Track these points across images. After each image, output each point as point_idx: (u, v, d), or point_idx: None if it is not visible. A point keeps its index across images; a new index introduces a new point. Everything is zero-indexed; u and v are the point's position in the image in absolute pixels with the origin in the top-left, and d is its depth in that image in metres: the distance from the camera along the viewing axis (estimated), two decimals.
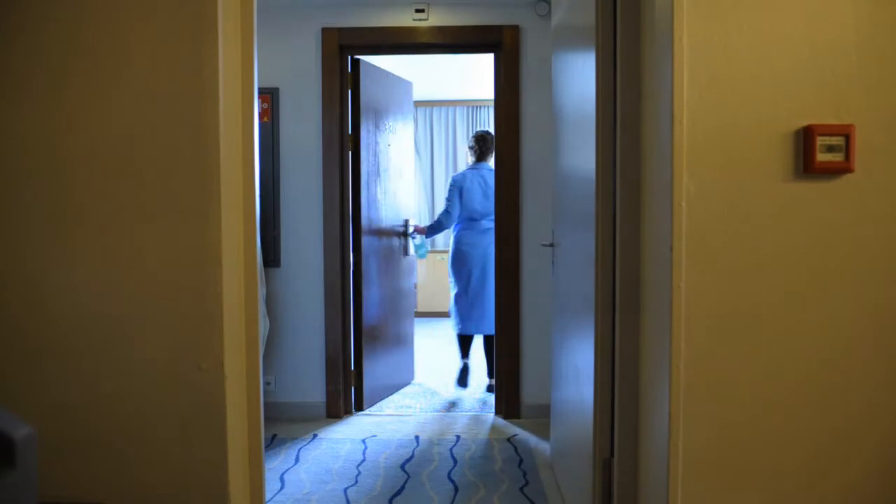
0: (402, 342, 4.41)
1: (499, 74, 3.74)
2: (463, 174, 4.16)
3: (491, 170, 3.98)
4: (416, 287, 5.40)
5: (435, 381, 4.56)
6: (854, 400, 1.63)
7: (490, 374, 4.12)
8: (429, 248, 6.85)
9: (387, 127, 4.19)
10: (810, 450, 1.63)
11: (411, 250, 4.43)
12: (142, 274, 1.72)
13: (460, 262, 4.12)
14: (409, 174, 4.50)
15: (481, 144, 4.12)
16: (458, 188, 4.08)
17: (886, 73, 1.59)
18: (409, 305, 4.50)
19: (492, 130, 4.09)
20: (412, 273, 4.55)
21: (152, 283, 1.72)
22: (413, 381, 4.53)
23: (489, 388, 4.15)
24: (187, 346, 1.73)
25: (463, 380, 4.20)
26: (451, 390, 4.30)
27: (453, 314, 4.20)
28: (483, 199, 4.06)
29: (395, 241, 4.29)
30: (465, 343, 4.24)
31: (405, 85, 4.45)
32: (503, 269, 3.74)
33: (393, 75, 4.27)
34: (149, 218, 1.72)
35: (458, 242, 4.13)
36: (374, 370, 4.01)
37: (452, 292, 4.19)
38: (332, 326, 3.74)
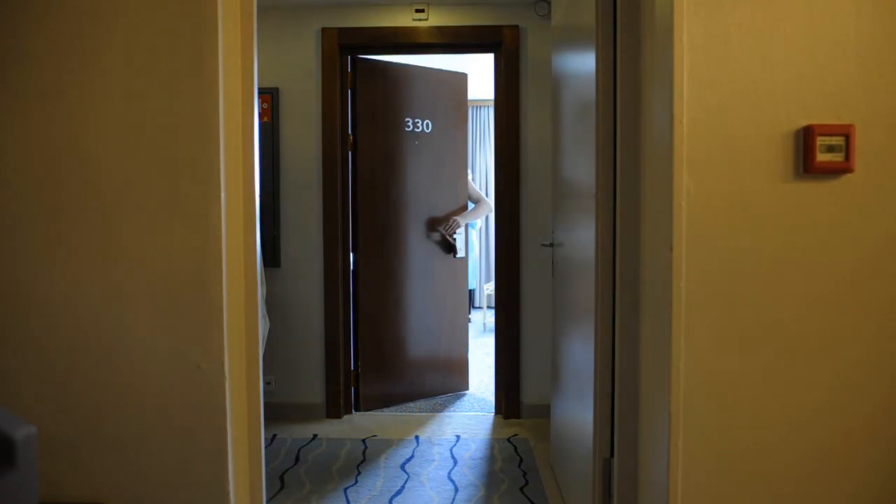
0: None
1: (499, 74, 3.73)
2: None
3: None
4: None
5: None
6: (856, 402, 1.63)
7: None
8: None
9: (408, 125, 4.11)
10: (811, 450, 1.63)
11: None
12: (142, 274, 1.72)
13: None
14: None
15: None
16: None
17: (886, 73, 1.59)
18: None
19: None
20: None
21: (152, 283, 1.72)
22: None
23: None
24: (187, 346, 1.73)
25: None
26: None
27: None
28: None
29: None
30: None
31: (449, 78, 4.21)
32: (503, 268, 3.74)
33: (434, 70, 4.15)
34: (149, 218, 1.72)
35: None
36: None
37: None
38: (332, 326, 3.74)
